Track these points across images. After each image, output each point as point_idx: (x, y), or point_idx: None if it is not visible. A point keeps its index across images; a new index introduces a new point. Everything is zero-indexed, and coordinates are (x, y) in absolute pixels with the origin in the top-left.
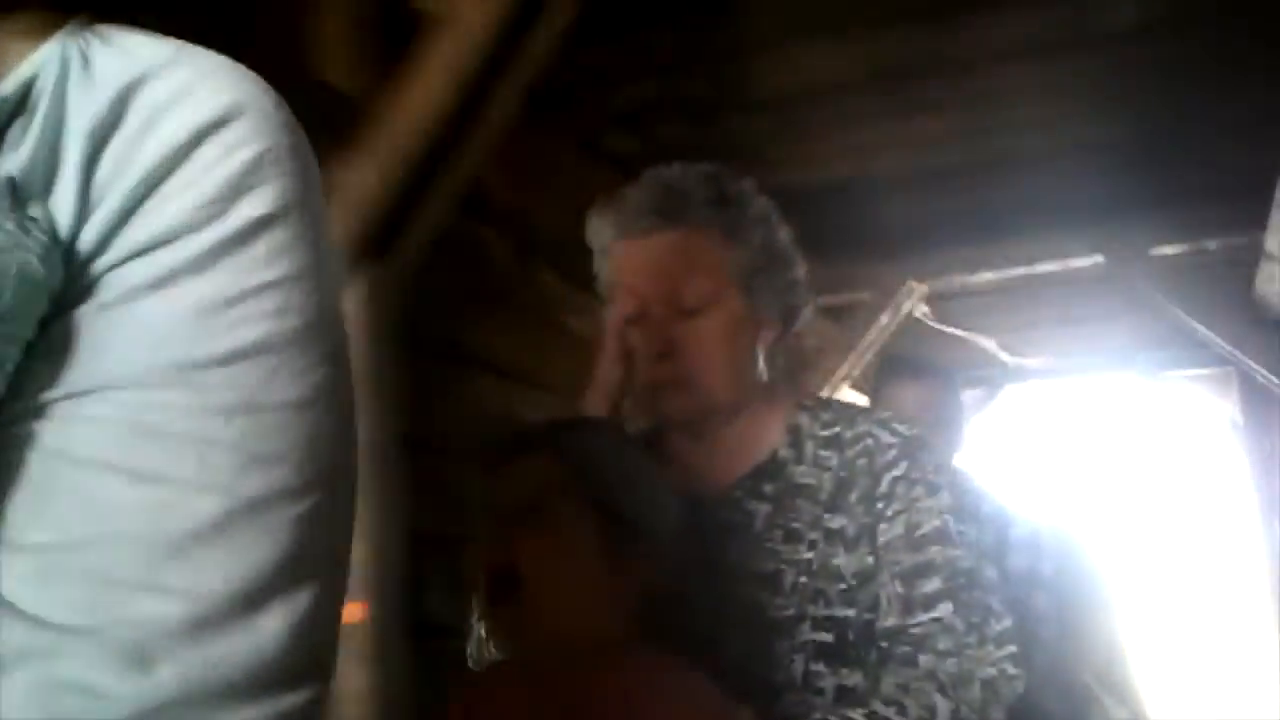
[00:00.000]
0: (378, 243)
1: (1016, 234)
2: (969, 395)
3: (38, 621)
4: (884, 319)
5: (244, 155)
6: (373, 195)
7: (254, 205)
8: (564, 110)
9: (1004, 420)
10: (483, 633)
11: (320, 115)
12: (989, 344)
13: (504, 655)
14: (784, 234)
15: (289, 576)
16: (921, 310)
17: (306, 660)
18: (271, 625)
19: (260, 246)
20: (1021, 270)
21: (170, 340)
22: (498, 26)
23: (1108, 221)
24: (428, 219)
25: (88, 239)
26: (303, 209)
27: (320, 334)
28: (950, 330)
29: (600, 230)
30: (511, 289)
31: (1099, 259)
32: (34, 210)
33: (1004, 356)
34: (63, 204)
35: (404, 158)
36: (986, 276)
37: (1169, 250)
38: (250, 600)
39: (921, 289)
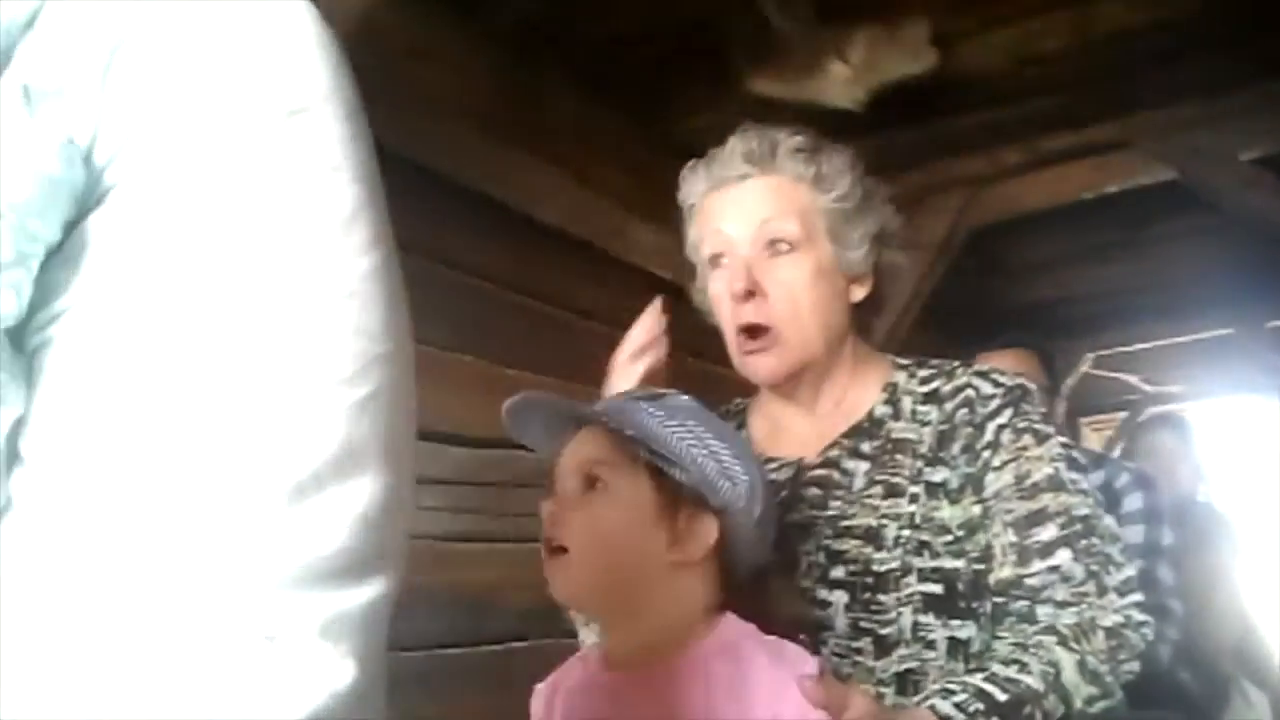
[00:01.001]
0: None
1: (1165, 317)
2: (1117, 418)
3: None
4: (1069, 380)
5: (266, 50)
6: None
7: (280, 97)
8: None
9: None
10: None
11: None
12: (1133, 379)
13: (564, 607)
14: (874, 187)
15: (346, 466)
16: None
17: (372, 553)
18: (330, 515)
19: (289, 137)
20: (1168, 341)
21: (199, 236)
22: None
23: (1235, 303)
24: None
25: (107, 145)
26: (333, 101)
27: (362, 224)
28: (1104, 374)
29: (693, 186)
30: None
31: (1229, 331)
32: (49, 113)
33: (1146, 387)
34: (80, 111)
35: None
36: (1142, 345)
37: None
38: (303, 489)
39: (1092, 357)
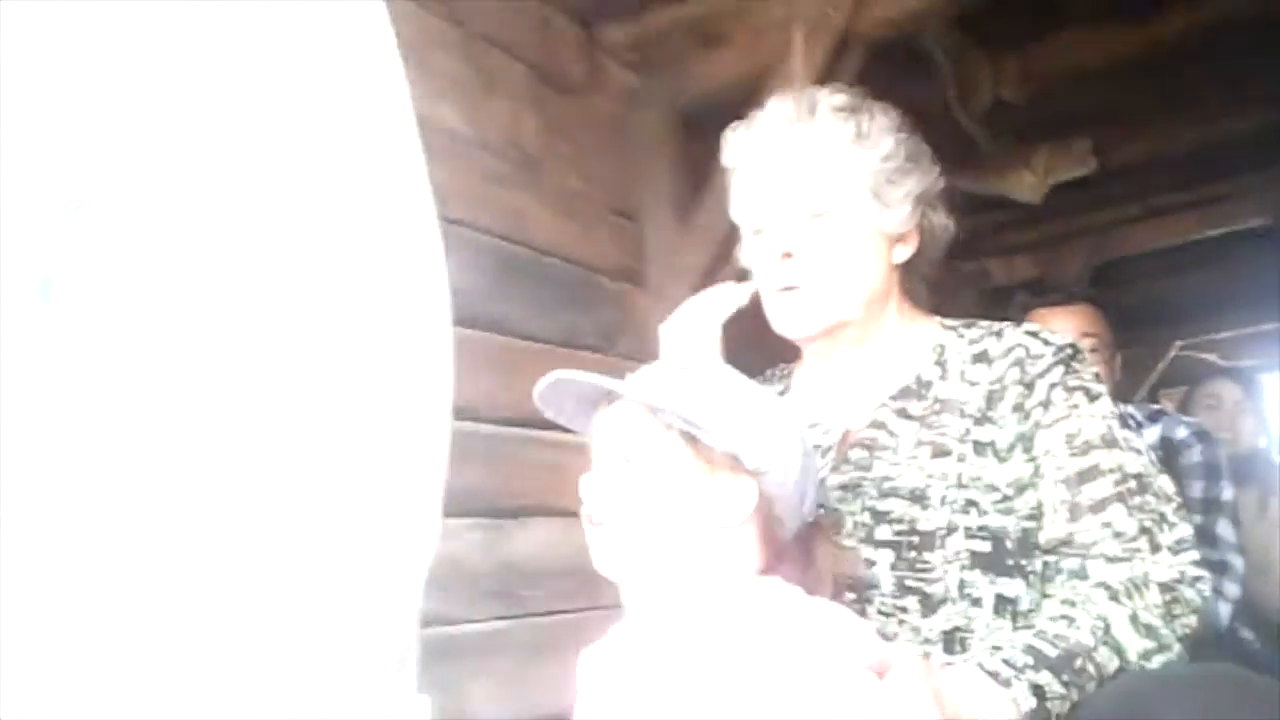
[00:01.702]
0: None
1: (1243, 310)
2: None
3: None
4: (1160, 365)
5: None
6: None
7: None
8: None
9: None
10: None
11: None
12: (1209, 356)
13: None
14: (920, 148)
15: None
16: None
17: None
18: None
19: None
20: (1247, 330)
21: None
22: None
23: None
24: None
25: (140, 100)
26: (386, 43)
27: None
28: (1186, 354)
29: (735, 146)
30: None
31: None
32: (80, 67)
33: (1222, 362)
34: (112, 68)
35: None
36: (1223, 334)
37: None
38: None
39: (1179, 344)
